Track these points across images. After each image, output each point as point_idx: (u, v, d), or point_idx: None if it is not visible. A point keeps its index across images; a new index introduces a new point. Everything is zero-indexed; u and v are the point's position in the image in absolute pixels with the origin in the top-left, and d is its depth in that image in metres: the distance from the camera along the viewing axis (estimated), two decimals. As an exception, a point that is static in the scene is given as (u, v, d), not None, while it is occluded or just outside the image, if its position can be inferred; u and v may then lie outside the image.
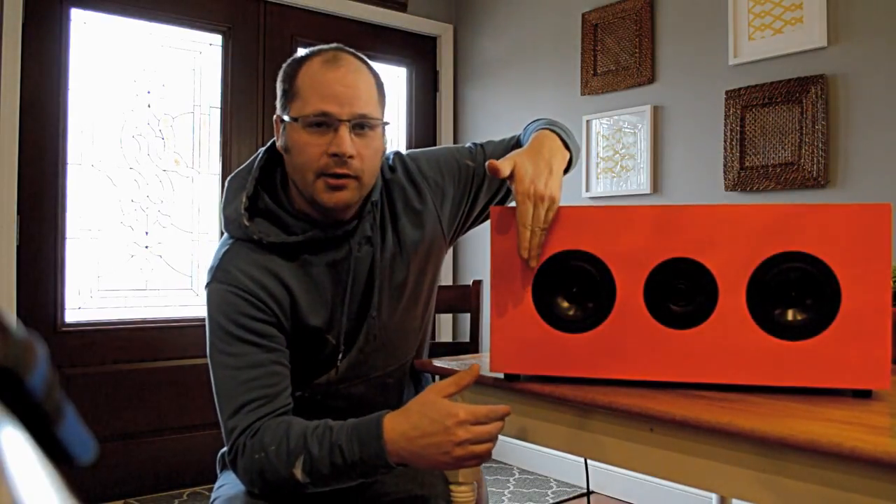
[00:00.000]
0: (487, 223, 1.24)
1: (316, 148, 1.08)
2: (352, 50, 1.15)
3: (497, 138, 1.34)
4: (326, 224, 1.14)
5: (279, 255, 1.13)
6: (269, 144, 1.19)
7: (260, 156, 1.19)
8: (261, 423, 1.05)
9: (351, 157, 1.07)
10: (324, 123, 1.07)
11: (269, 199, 1.15)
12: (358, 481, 1.04)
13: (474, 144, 1.31)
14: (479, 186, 1.27)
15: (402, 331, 1.25)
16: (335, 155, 1.07)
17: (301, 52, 1.16)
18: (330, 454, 1.00)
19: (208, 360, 1.11)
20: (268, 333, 1.10)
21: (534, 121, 1.24)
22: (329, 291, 1.16)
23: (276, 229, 1.14)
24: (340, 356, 1.18)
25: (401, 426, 0.98)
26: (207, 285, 1.13)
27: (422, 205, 1.23)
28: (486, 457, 0.98)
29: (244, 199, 1.14)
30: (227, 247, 1.15)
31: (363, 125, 1.09)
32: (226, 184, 1.21)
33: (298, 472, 1.01)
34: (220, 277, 1.11)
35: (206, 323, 1.12)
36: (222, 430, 1.09)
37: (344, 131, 1.07)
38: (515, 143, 1.29)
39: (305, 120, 1.08)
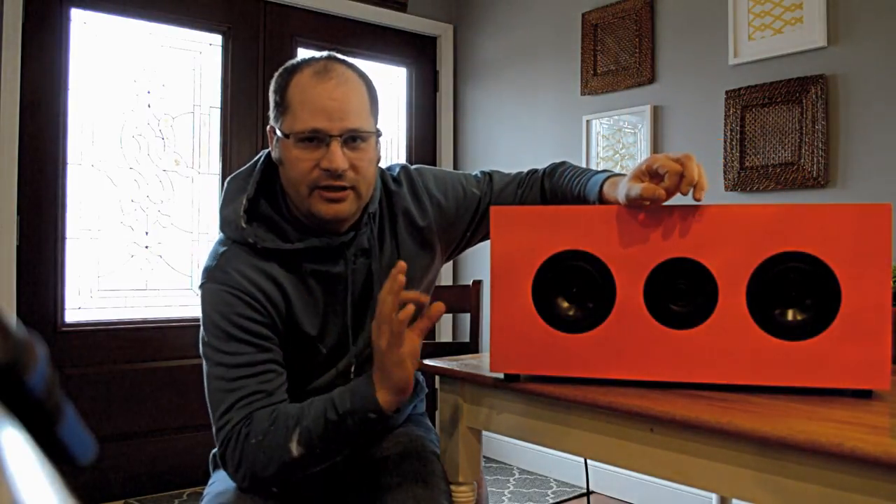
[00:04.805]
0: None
1: (308, 163, 1.08)
2: (342, 57, 1.14)
3: (505, 171, 1.34)
4: (322, 234, 1.15)
5: (275, 260, 1.13)
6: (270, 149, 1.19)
7: (262, 159, 1.19)
8: (254, 414, 1.07)
9: (344, 170, 1.08)
10: (315, 139, 1.08)
11: (267, 205, 1.15)
12: (351, 447, 1.06)
13: (482, 173, 1.32)
14: (482, 215, 1.27)
15: None
16: (327, 170, 1.07)
17: (293, 61, 1.15)
18: (324, 412, 1.04)
19: (202, 358, 1.12)
20: (262, 334, 1.10)
21: (588, 170, 1.23)
22: (322, 301, 1.16)
23: (272, 235, 1.14)
24: (349, 363, 1.19)
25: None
26: (202, 285, 1.14)
27: (424, 221, 1.23)
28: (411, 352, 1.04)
29: (244, 202, 1.14)
30: (223, 248, 1.15)
31: (355, 138, 1.09)
32: (225, 184, 1.21)
33: (294, 446, 1.03)
34: (217, 278, 1.12)
35: (201, 322, 1.13)
36: (213, 426, 1.09)
37: (335, 146, 1.07)
38: (526, 178, 1.29)
39: (296, 136, 1.08)
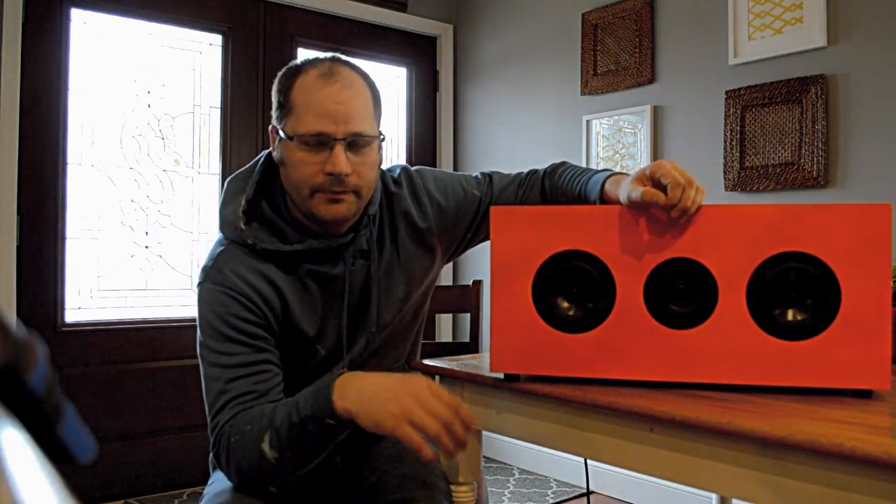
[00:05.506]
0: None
1: (312, 166, 1.08)
2: (346, 59, 1.14)
3: (504, 171, 1.35)
4: (322, 235, 1.15)
5: (273, 262, 1.13)
6: (270, 150, 1.19)
7: (262, 160, 1.19)
8: (239, 415, 1.06)
9: (347, 175, 1.07)
10: (319, 142, 1.07)
11: (267, 206, 1.15)
12: (322, 451, 1.02)
13: (482, 174, 1.32)
14: (483, 216, 1.27)
15: (393, 340, 1.26)
16: (331, 174, 1.07)
17: (297, 61, 1.14)
18: (288, 415, 1.00)
19: (199, 358, 1.12)
20: (257, 335, 1.10)
21: (588, 170, 1.21)
22: (320, 302, 1.16)
23: (271, 236, 1.14)
24: (342, 366, 1.18)
25: (358, 377, 1.00)
26: (200, 284, 1.14)
27: (424, 223, 1.23)
28: (429, 429, 0.94)
29: (243, 203, 1.14)
30: (221, 248, 1.15)
31: (359, 142, 1.09)
32: (225, 185, 1.21)
33: (266, 447, 1.00)
34: (214, 278, 1.12)
35: (197, 321, 1.13)
36: (208, 426, 1.09)
37: (339, 150, 1.07)
38: (526, 178, 1.30)
39: (301, 139, 1.08)
